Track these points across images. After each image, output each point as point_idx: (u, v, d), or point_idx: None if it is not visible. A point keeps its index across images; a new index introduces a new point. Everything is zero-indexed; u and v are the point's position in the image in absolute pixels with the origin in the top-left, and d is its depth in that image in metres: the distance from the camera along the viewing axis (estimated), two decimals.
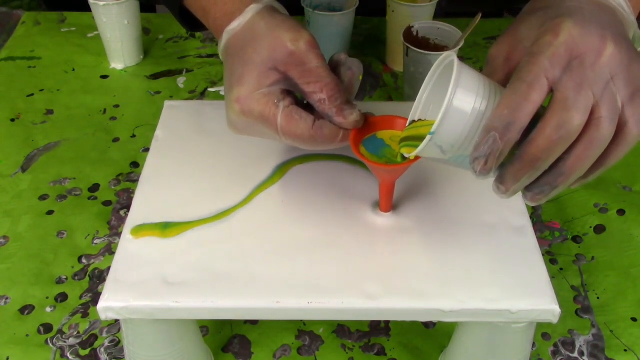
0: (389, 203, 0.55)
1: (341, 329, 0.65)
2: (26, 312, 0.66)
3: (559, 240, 0.74)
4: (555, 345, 0.64)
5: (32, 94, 0.93)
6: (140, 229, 0.55)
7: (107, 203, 0.77)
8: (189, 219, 0.56)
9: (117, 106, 0.91)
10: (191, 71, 0.97)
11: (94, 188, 0.79)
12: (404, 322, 0.65)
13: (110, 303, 0.50)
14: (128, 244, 0.54)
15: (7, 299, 0.67)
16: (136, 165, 0.82)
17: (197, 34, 1.04)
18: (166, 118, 0.66)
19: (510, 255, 0.53)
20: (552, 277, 0.64)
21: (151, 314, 0.50)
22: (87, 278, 0.69)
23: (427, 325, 0.66)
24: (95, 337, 0.64)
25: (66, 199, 0.78)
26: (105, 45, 0.97)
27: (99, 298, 0.50)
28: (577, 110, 0.42)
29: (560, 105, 0.42)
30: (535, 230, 0.59)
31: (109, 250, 0.72)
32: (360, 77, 0.55)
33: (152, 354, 0.54)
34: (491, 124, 0.43)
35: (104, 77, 0.97)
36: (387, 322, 0.66)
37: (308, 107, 0.54)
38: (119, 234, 0.73)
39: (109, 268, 0.55)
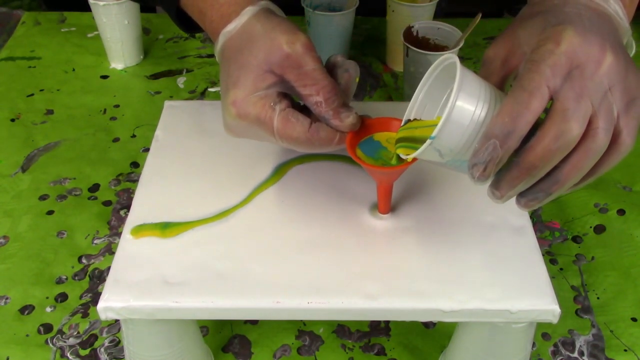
0: (387, 205, 0.55)
1: (341, 329, 0.65)
2: (26, 312, 0.66)
3: (559, 240, 0.74)
4: (555, 345, 0.64)
5: (32, 94, 0.93)
6: (140, 229, 0.55)
7: (107, 203, 0.77)
8: (189, 219, 0.56)
9: (117, 106, 0.91)
10: (191, 71, 0.97)
11: (94, 188, 0.79)
12: (404, 322, 0.65)
13: (110, 303, 0.50)
14: (128, 244, 0.54)
15: (7, 299, 0.67)
16: (136, 165, 0.82)
17: (197, 34, 1.04)
18: (166, 118, 0.66)
19: (510, 255, 0.53)
20: (552, 277, 0.64)
21: (151, 314, 0.50)
22: (87, 278, 0.69)
23: (427, 325, 0.66)
24: (95, 337, 0.64)
25: (66, 199, 0.78)
26: (105, 45, 0.97)
27: (99, 298, 0.50)
28: (576, 121, 0.43)
29: (560, 115, 0.43)
30: (535, 230, 0.59)
31: (109, 250, 0.72)
32: (357, 79, 0.55)
33: (152, 354, 0.54)
34: (491, 131, 0.43)
35: (104, 77, 0.97)
36: (387, 322, 0.66)
37: (305, 110, 0.53)
38: (119, 234, 0.73)
39: (109, 268, 0.55)
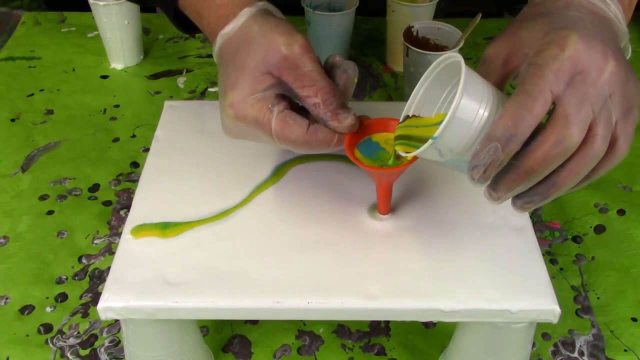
0: (386, 206, 0.55)
1: (341, 329, 0.65)
2: (26, 312, 0.66)
3: (559, 240, 0.74)
4: (555, 345, 0.64)
5: (32, 94, 0.93)
6: (140, 229, 0.55)
7: (107, 203, 0.77)
8: (189, 219, 0.56)
9: (117, 106, 0.91)
10: (191, 71, 0.97)
11: (94, 188, 0.79)
12: (404, 322, 0.65)
13: (110, 303, 0.50)
14: (128, 244, 0.54)
15: (7, 299, 0.67)
16: (136, 165, 0.82)
17: (198, 34, 1.04)
18: (166, 118, 0.66)
19: (510, 255, 0.53)
20: (552, 277, 0.64)
21: (151, 314, 0.50)
22: (87, 278, 0.69)
23: (427, 325, 0.66)
24: (95, 337, 0.64)
25: (66, 199, 0.78)
26: (105, 45, 0.97)
27: (99, 298, 0.50)
28: (577, 127, 0.43)
29: (562, 121, 0.43)
30: (535, 230, 0.59)
31: (109, 250, 0.72)
32: (356, 80, 0.54)
33: (152, 354, 0.54)
34: (494, 134, 0.43)
35: (104, 77, 0.97)
36: (387, 322, 0.66)
37: (303, 111, 0.53)
38: (119, 234, 0.73)
39: (109, 268, 0.55)
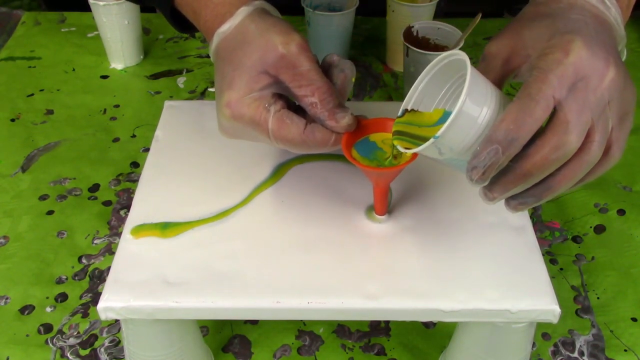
0: (383, 206, 0.55)
1: (341, 329, 0.65)
2: (26, 312, 0.66)
3: (559, 240, 0.74)
4: (555, 345, 0.64)
5: (32, 94, 0.93)
6: (140, 229, 0.55)
7: (107, 203, 0.77)
8: (189, 219, 0.56)
9: (117, 106, 0.91)
10: (191, 71, 0.97)
11: (94, 188, 0.79)
12: (404, 322, 0.65)
13: (110, 303, 0.50)
14: (128, 244, 0.54)
15: (7, 299, 0.67)
16: (136, 165, 0.82)
17: (198, 34, 1.04)
18: (166, 118, 0.66)
19: (510, 255, 0.53)
20: (552, 277, 0.64)
21: (151, 314, 0.50)
22: (87, 278, 0.69)
23: (427, 325, 0.66)
24: (95, 337, 0.64)
25: (66, 199, 0.78)
26: (105, 45, 0.97)
27: (99, 298, 0.50)
28: (577, 133, 0.44)
29: (562, 127, 0.43)
30: (535, 230, 0.59)
31: (109, 250, 0.72)
32: (353, 79, 0.54)
33: (152, 354, 0.54)
34: (495, 137, 0.43)
35: (104, 77, 0.97)
36: (387, 322, 0.66)
37: (300, 110, 0.53)
38: (119, 234, 0.73)
39: (109, 268, 0.55)
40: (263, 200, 0.58)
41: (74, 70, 0.98)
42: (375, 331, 0.65)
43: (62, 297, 0.68)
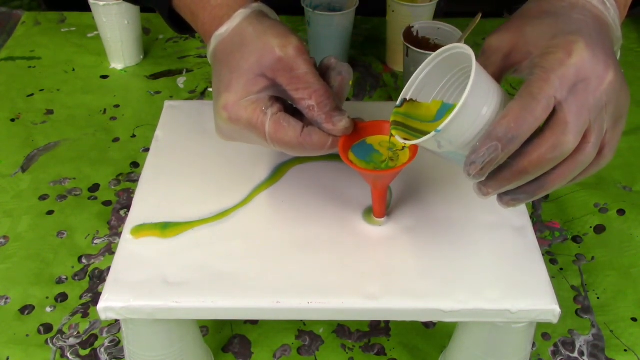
0: (382, 209, 0.55)
1: (341, 329, 0.65)
2: (26, 312, 0.66)
3: (559, 240, 0.74)
4: (555, 345, 0.64)
5: (32, 94, 0.93)
6: (140, 229, 0.55)
7: (107, 203, 0.77)
8: (189, 219, 0.56)
9: (117, 106, 0.91)
10: (191, 71, 0.97)
11: (94, 188, 0.79)
12: (404, 322, 0.65)
13: (110, 303, 0.50)
14: (128, 244, 0.54)
15: (7, 299, 0.67)
16: (136, 165, 0.82)
17: (197, 34, 1.04)
18: (166, 118, 0.66)
19: (510, 255, 0.53)
20: (552, 277, 0.64)
21: (151, 314, 0.50)
22: (87, 278, 0.69)
23: (427, 325, 0.66)
24: (95, 337, 0.64)
25: (66, 199, 0.78)
26: (105, 45, 0.97)
27: (99, 298, 0.50)
28: (575, 135, 0.44)
29: (561, 127, 0.44)
30: (535, 230, 0.59)
31: (109, 250, 0.72)
32: (351, 82, 0.54)
33: (152, 354, 0.54)
34: (495, 134, 0.43)
35: (104, 77, 0.97)
36: (387, 322, 0.66)
37: (297, 113, 0.53)
38: (119, 234, 0.73)
39: (109, 268, 0.55)
40: (263, 201, 0.58)
41: (74, 70, 0.98)
42: (375, 331, 0.65)
43: (62, 297, 0.68)
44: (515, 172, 0.45)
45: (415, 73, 0.49)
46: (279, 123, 0.51)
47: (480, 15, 0.83)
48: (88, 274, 0.70)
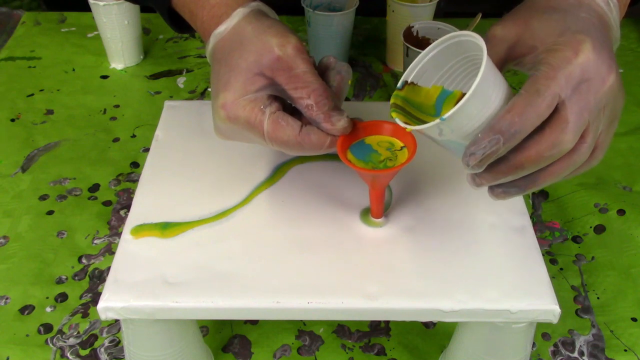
0: (379, 209, 0.55)
1: (341, 329, 0.65)
2: (26, 312, 0.66)
3: (559, 240, 0.74)
4: (555, 345, 0.64)
5: (32, 94, 0.93)
6: (140, 229, 0.55)
7: (107, 203, 0.77)
8: (189, 219, 0.56)
9: (117, 106, 0.91)
10: (191, 71, 0.97)
11: (94, 188, 0.79)
12: (404, 322, 0.65)
13: (110, 303, 0.50)
14: (128, 244, 0.54)
15: (7, 299, 0.67)
16: (136, 165, 0.82)
17: (197, 34, 1.04)
18: (166, 118, 0.66)
19: (510, 255, 0.53)
20: (552, 277, 0.64)
21: (151, 314, 0.50)
22: (87, 278, 0.69)
23: (427, 325, 0.66)
24: (95, 337, 0.64)
25: (66, 199, 0.78)
26: (105, 45, 0.97)
27: (99, 298, 0.50)
28: (574, 134, 0.44)
29: (561, 126, 0.44)
30: (535, 230, 0.59)
31: (109, 250, 0.72)
32: (350, 82, 0.54)
33: (152, 354, 0.54)
34: (499, 127, 0.43)
35: (104, 77, 0.97)
36: (387, 322, 0.66)
37: (296, 112, 0.53)
38: (119, 234, 0.73)
39: (109, 268, 0.55)
40: (263, 201, 0.58)
41: (74, 70, 0.98)
42: (375, 331, 0.65)
43: (62, 297, 0.68)
44: (511, 166, 0.45)
45: (419, 56, 0.49)
46: (277, 122, 0.51)
47: (480, 15, 0.83)
48: (88, 274, 0.70)
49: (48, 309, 0.66)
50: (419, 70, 0.49)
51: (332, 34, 0.91)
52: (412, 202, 0.57)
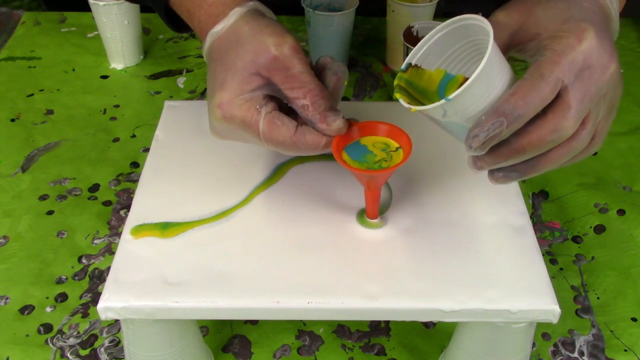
0: (375, 210, 0.55)
1: (341, 329, 0.65)
2: (26, 312, 0.66)
3: (559, 240, 0.74)
4: (555, 345, 0.64)
5: (32, 94, 0.93)
6: (140, 229, 0.55)
7: (107, 203, 0.77)
8: (189, 219, 0.56)
9: (117, 106, 0.91)
10: (191, 71, 0.97)
11: (94, 188, 0.79)
12: (404, 322, 0.65)
13: (110, 303, 0.50)
14: (128, 244, 0.54)
15: (7, 299, 0.67)
16: (136, 165, 0.82)
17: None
18: (166, 118, 0.66)
19: (510, 255, 0.53)
20: (552, 277, 0.64)
21: (151, 314, 0.50)
22: (87, 278, 0.69)
23: (427, 325, 0.66)
24: (95, 337, 0.64)
25: (66, 199, 0.78)
26: (105, 45, 0.97)
27: (99, 298, 0.50)
28: (575, 120, 0.45)
29: (563, 112, 0.45)
30: (535, 230, 0.59)
31: (109, 250, 0.72)
32: (346, 82, 0.54)
33: (152, 354, 0.54)
34: (502, 110, 0.44)
35: (104, 77, 0.97)
36: (387, 322, 0.66)
37: (292, 113, 0.53)
38: (119, 234, 0.73)
39: (109, 268, 0.55)
40: (263, 201, 0.58)
41: (74, 70, 0.98)
42: (375, 331, 0.65)
43: (62, 297, 0.68)
44: (512, 149, 0.46)
45: (424, 39, 0.49)
46: (273, 122, 0.51)
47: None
48: (88, 274, 0.70)
49: (48, 309, 0.66)
50: (424, 52, 0.49)
51: (332, 34, 0.91)
52: (412, 202, 0.57)
